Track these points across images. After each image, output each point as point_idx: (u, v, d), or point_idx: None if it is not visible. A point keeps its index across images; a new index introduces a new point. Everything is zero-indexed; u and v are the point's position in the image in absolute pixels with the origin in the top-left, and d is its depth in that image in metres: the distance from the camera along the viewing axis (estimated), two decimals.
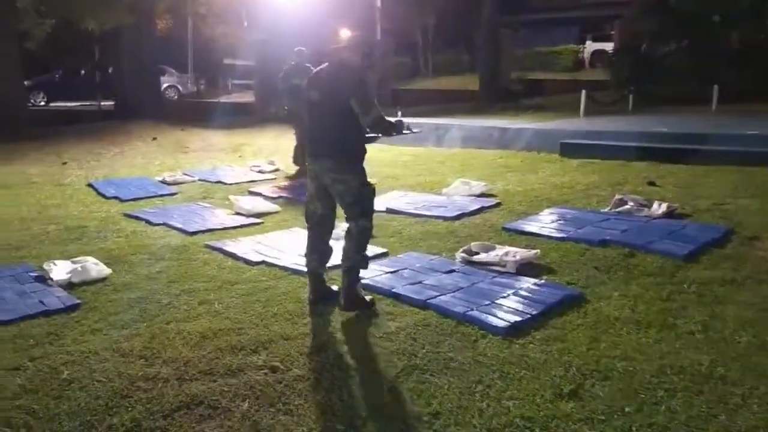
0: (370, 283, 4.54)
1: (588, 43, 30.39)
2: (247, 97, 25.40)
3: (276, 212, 7.09)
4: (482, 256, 5.00)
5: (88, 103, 22.34)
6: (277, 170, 10.13)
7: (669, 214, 6.13)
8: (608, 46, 26.26)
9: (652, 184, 7.67)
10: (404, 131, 4.33)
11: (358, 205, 4.08)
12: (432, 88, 26.25)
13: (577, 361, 3.35)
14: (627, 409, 2.90)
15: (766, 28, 16.89)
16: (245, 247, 5.59)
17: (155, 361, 3.48)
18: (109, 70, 21.74)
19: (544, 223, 6.06)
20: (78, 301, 4.37)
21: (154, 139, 14.05)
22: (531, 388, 3.09)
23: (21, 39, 17.09)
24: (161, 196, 8.28)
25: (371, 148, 4.28)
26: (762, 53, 15.61)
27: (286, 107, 9.57)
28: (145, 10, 18.43)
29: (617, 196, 6.63)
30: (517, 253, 4.96)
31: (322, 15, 19.81)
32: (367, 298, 4.23)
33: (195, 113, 19.64)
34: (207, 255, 5.47)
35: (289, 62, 9.55)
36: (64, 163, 11.03)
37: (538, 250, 5.06)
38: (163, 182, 9.10)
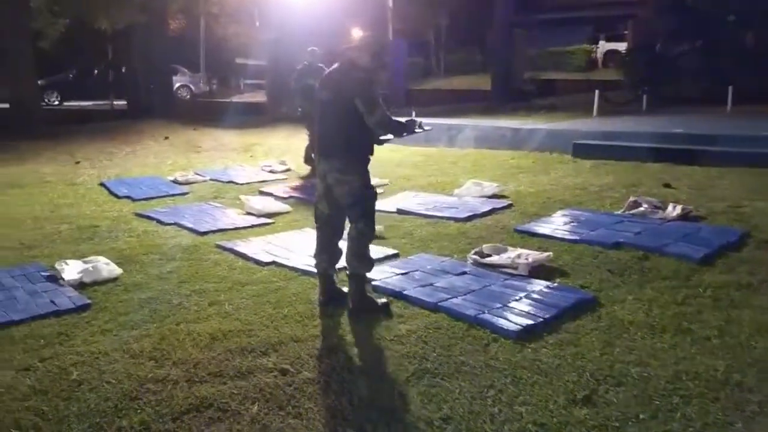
0: (381, 284, 4.51)
1: (601, 42, 30.19)
2: (259, 97, 25.44)
3: (287, 212, 7.08)
4: (494, 258, 4.96)
5: (101, 103, 22.46)
6: (288, 170, 10.13)
7: (684, 217, 6.05)
8: (621, 46, 26.09)
9: (666, 185, 7.59)
10: (416, 129, 4.30)
11: (357, 207, 4.05)
12: (444, 87, 26.16)
13: (590, 366, 3.30)
14: (642, 416, 2.86)
15: None
16: (256, 247, 5.58)
17: (165, 362, 3.47)
18: (122, 70, 21.83)
19: (557, 225, 6.01)
20: (88, 301, 4.37)
21: (166, 138, 14.10)
22: (544, 394, 3.05)
23: (35, 38, 17.20)
24: (173, 195, 8.30)
25: (383, 149, 4.25)
26: None
27: (299, 108, 9.57)
28: (158, 10, 18.52)
29: (631, 198, 6.57)
30: (529, 255, 4.91)
31: (334, 15, 19.80)
32: (381, 300, 4.20)
33: (207, 113, 19.70)
34: (218, 255, 5.47)
35: (302, 62, 9.54)
36: (77, 163, 11.09)
37: (551, 253, 5.01)
38: (175, 182, 9.12)
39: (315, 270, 4.39)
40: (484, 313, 3.93)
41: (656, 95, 15.25)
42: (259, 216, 6.84)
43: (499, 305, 4.06)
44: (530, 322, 3.79)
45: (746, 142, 9.27)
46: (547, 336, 3.66)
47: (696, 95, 14.72)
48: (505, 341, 3.61)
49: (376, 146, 4.19)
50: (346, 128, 4.00)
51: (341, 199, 4.09)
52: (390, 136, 4.23)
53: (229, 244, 5.67)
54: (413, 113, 4.41)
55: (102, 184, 9.00)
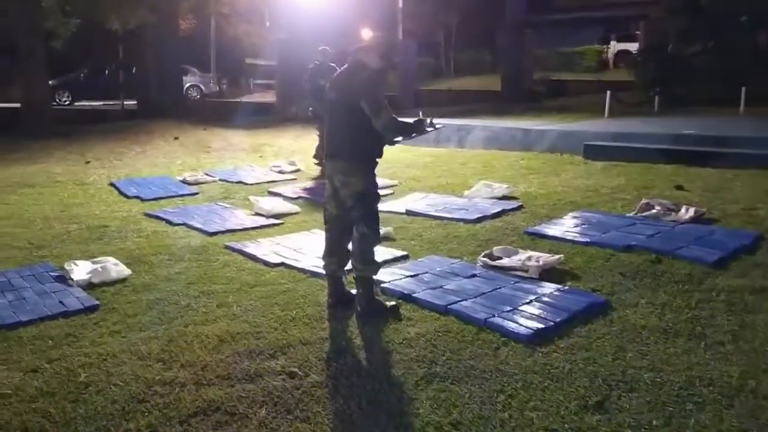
0: (390, 286, 4.48)
1: (612, 43, 30.06)
2: (269, 97, 25.45)
3: (296, 213, 7.06)
4: (504, 261, 4.91)
5: (111, 103, 22.55)
6: (297, 171, 10.12)
7: (697, 219, 5.99)
8: (632, 47, 25.93)
9: (679, 187, 7.51)
10: (428, 129, 4.26)
11: (359, 209, 4.01)
12: (454, 88, 26.08)
13: (602, 371, 3.26)
14: (655, 423, 2.81)
15: None
16: (265, 248, 5.56)
17: (173, 364, 3.45)
18: (133, 70, 21.92)
19: (568, 227, 5.96)
20: (97, 302, 4.37)
21: (176, 138, 14.12)
22: (555, 399, 3.01)
23: (46, 38, 17.28)
24: (182, 195, 8.31)
25: (392, 150, 4.22)
26: None
27: (310, 108, 9.54)
28: (169, 10, 18.57)
29: (643, 200, 6.50)
30: (540, 257, 4.86)
31: (344, 15, 19.80)
32: (389, 303, 4.17)
33: (217, 113, 19.73)
34: (227, 256, 5.45)
35: (314, 62, 9.52)
36: (87, 162, 11.12)
37: (562, 255, 4.96)
38: (184, 182, 9.13)
39: (324, 272, 4.36)
40: (494, 316, 3.89)
41: (668, 96, 15.14)
42: (268, 217, 6.83)
43: (509, 308, 4.01)
44: (541, 325, 3.75)
45: (760, 143, 9.15)
46: (559, 340, 3.61)
47: (708, 96, 14.59)
48: (516, 345, 3.57)
49: (386, 147, 4.15)
50: (353, 130, 3.96)
51: (345, 201, 4.06)
52: (400, 138, 4.20)
53: (238, 245, 5.66)
54: (420, 113, 4.37)
55: (112, 184, 9.02)
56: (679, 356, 3.41)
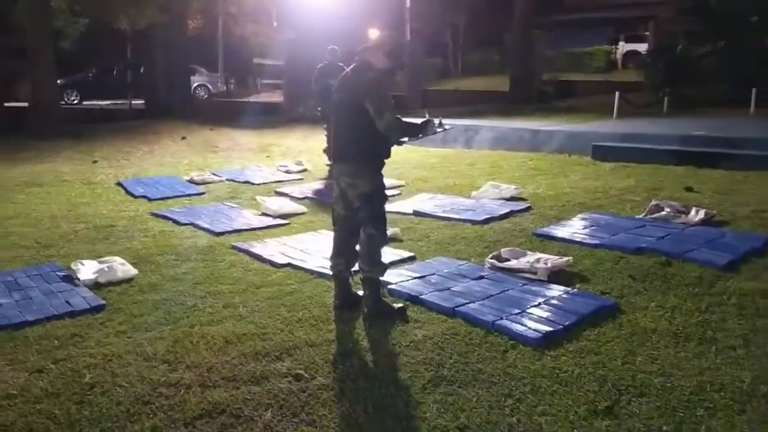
0: (397, 288, 4.45)
1: (621, 43, 29.95)
2: (276, 97, 25.47)
3: (302, 213, 7.04)
4: (512, 263, 4.87)
5: (119, 102, 22.62)
6: (304, 171, 10.10)
7: (707, 221, 5.93)
8: (641, 47, 25.86)
9: (689, 189, 7.45)
10: (437, 129, 4.23)
11: (366, 210, 3.98)
12: (461, 88, 26.03)
13: (612, 375, 3.22)
14: (665, 428, 2.77)
15: None
16: (271, 248, 5.54)
17: (178, 366, 3.43)
18: (141, 70, 21.98)
19: (577, 228, 5.91)
20: (103, 302, 4.36)
21: (183, 138, 14.14)
22: (564, 404, 2.97)
23: (55, 38, 17.33)
24: (189, 195, 8.30)
25: (400, 150, 4.19)
26: None
27: (319, 108, 9.52)
28: (177, 10, 18.60)
29: (653, 202, 6.44)
30: (548, 260, 4.82)
31: (352, 15, 19.78)
32: (396, 305, 4.14)
33: (224, 113, 19.76)
34: (233, 256, 5.44)
35: (322, 61, 9.49)
36: (95, 162, 11.15)
37: (571, 258, 4.92)
38: (191, 182, 9.13)
39: (330, 272, 4.33)
40: (502, 319, 3.86)
41: (677, 97, 15.05)
42: (274, 217, 6.81)
43: (517, 311, 3.98)
44: (550, 328, 3.71)
45: None
46: (567, 344, 3.57)
47: (718, 97, 14.49)
48: (524, 348, 3.54)
49: (393, 148, 4.12)
50: (359, 131, 3.93)
51: (352, 202, 4.03)
52: (406, 138, 4.17)
53: (244, 246, 5.64)
54: (427, 114, 4.34)
55: (119, 184, 9.03)
56: (690, 361, 3.37)
